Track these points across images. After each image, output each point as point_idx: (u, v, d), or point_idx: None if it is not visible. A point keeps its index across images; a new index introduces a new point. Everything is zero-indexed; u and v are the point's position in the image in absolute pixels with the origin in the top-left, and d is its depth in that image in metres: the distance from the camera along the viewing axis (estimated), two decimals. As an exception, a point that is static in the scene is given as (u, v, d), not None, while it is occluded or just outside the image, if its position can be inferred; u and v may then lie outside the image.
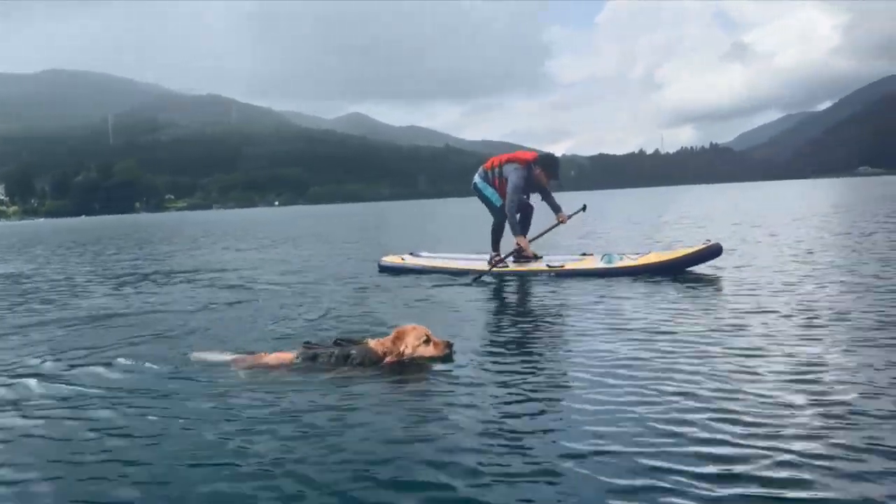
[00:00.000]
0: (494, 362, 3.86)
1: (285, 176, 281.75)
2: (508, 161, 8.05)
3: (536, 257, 7.84)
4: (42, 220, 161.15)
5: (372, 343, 4.00)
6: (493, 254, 8.01)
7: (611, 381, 3.34)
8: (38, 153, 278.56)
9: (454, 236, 16.69)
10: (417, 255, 8.72)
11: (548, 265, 7.41)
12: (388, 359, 3.91)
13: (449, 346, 4.03)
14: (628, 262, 7.09)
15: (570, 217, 7.98)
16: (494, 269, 7.68)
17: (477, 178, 8.30)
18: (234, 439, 2.76)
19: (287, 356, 4.02)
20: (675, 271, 6.89)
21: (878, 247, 8.88)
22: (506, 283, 7.29)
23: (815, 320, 4.51)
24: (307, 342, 4.16)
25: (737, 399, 2.99)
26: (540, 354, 4.07)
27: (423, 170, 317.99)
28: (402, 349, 3.94)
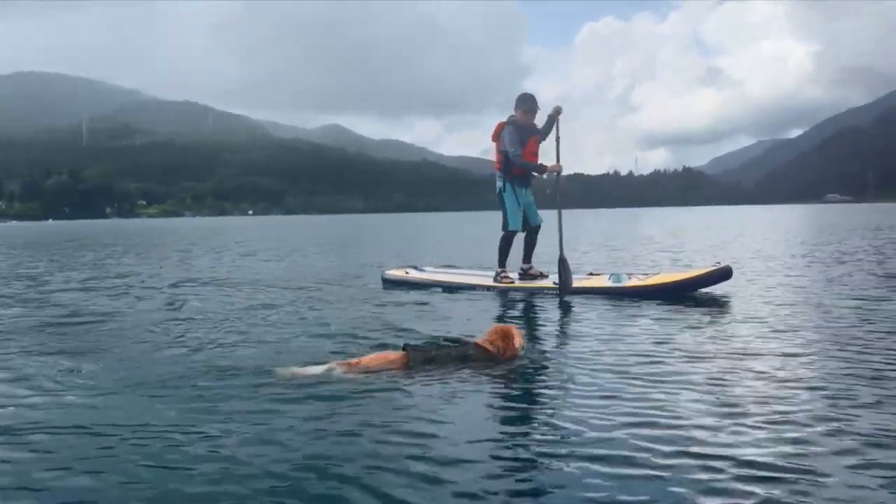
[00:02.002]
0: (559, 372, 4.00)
1: (260, 185, 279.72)
2: (497, 139, 7.93)
3: (542, 276, 7.80)
4: (10, 223, 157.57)
5: (481, 342, 4.25)
6: (500, 269, 7.92)
7: (617, 400, 3.38)
8: (8, 156, 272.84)
9: (446, 251, 16.66)
10: (421, 270, 8.69)
11: (554, 283, 7.30)
12: (506, 355, 4.17)
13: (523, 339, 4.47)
14: (636, 282, 7.03)
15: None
16: (501, 285, 7.65)
17: (499, 183, 8.01)
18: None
19: (390, 356, 4.14)
20: (684, 293, 6.82)
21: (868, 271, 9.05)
22: (514, 300, 7.23)
23: (831, 345, 4.52)
24: (408, 345, 4.26)
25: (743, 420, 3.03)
26: (554, 369, 4.12)
27: (400, 183, 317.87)
28: (515, 346, 4.24)
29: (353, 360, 4.10)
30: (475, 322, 5.73)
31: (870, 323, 5.33)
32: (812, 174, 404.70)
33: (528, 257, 8.04)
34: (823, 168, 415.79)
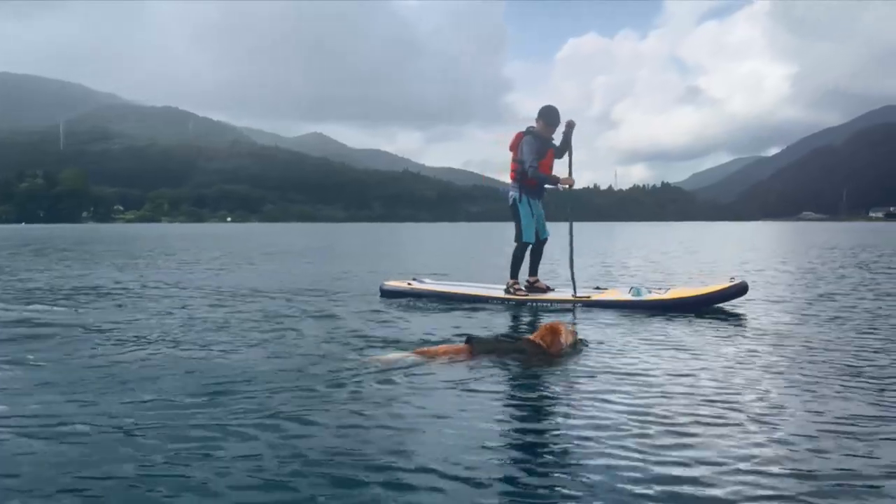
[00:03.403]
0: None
1: (239, 193, 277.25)
2: (514, 149, 7.86)
3: (549, 289, 7.77)
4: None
5: (532, 337, 4.76)
6: (512, 281, 7.83)
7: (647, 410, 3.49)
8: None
9: (437, 262, 16.37)
10: (421, 282, 8.49)
11: (574, 295, 7.34)
12: (552, 350, 4.62)
13: (576, 334, 4.95)
14: (656, 295, 7.13)
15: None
16: (515, 297, 7.61)
17: (513, 193, 7.95)
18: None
19: (457, 348, 4.79)
20: (701, 307, 6.93)
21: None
22: (531, 312, 7.15)
23: (847, 363, 4.59)
24: (471, 338, 4.83)
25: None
26: (581, 378, 4.20)
27: (381, 193, 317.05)
28: (561, 341, 4.68)
29: (427, 349, 4.79)
30: (496, 332, 5.79)
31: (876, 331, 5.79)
32: (788, 192, 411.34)
33: (534, 270, 8.01)
34: (799, 186, 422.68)
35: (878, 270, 13.04)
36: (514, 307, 7.44)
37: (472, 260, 17.49)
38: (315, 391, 3.79)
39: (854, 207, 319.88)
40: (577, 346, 4.88)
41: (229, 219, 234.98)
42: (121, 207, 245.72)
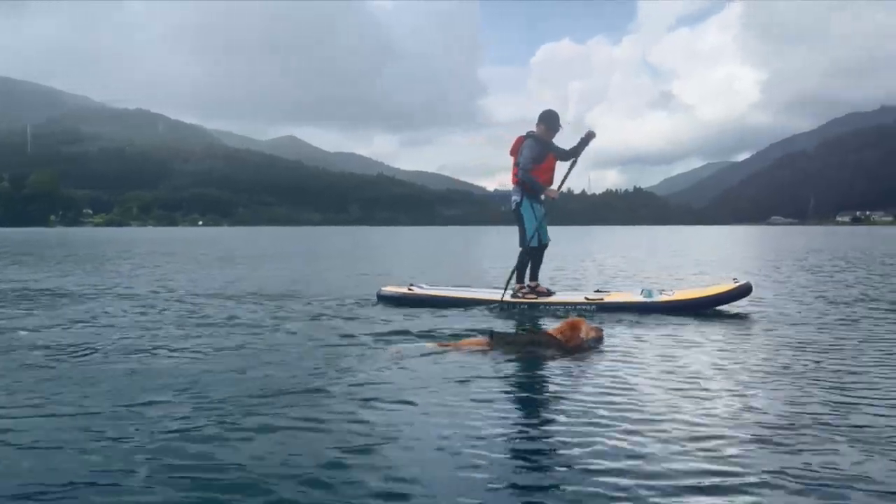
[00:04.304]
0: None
1: (211, 196, 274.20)
2: (516, 153, 7.77)
3: (549, 293, 7.79)
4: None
5: (552, 331, 4.99)
6: (518, 285, 7.82)
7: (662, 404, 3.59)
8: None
9: (425, 267, 16.12)
10: (420, 287, 8.27)
11: (586, 297, 7.48)
12: (570, 343, 4.80)
13: (601, 331, 5.14)
14: (666, 297, 7.32)
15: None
16: (525, 301, 7.63)
17: (515, 198, 7.87)
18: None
19: (479, 341, 5.05)
20: (708, 308, 7.20)
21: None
22: (546, 315, 7.15)
23: (845, 360, 4.77)
24: (494, 331, 5.13)
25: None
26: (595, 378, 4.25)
27: (356, 197, 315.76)
28: (580, 336, 4.86)
29: (450, 343, 5.13)
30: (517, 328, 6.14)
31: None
32: (758, 196, 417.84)
33: (534, 274, 7.93)
34: (769, 191, 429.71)
35: (873, 271, 13.33)
36: (525, 311, 7.42)
37: (462, 264, 17.20)
38: (327, 388, 3.90)
39: (822, 212, 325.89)
40: (601, 342, 5.06)
41: (201, 223, 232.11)
42: (90, 211, 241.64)
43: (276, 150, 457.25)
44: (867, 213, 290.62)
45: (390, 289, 8.28)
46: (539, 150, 7.61)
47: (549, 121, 7.73)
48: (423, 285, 8.46)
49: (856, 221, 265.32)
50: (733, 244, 33.79)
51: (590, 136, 7.70)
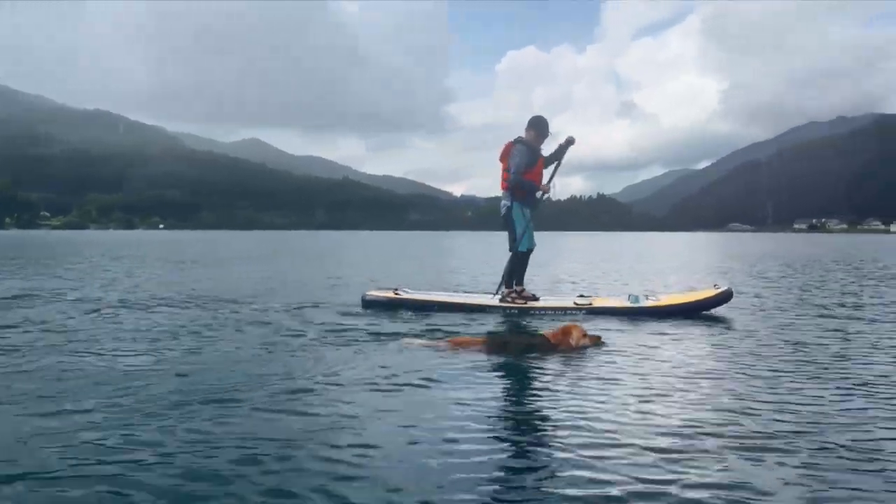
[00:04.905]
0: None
1: (172, 199, 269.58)
2: (505, 159, 7.84)
3: (534, 298, 7.79)
4: None
5: (546, 334, 5.21)
6: (507, 290, 7.85)
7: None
8: None
9: (403, 271, 15.99)
10: (405, 292, 8.19)
11: (575, 303, 7.51)
12: (562, 346, 5.02)
13: (598, 338, 5.30)
14: (652, 302, 7.43)
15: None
16: (514, 306, 7.64)
17: (505, 202, 7.95)
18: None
19: (479, 341, 5.25)
20: (691, 314, 7.33)
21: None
22: (535, 320, 7.17)
23: (823, 358, 4.95)
24: (490, 332, 5.40)
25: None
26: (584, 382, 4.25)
27: (321, 200, 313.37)
28: (571, 340, 5.06)
29: (444, 341, 5.31)
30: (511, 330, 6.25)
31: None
32: (717, 204, 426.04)
33: (520, 279, 7.96)
34: (728, 198, 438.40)
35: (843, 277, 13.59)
36: (516, 315, 7.43)
37: (438, 268, 17.15)
38: (318, 387, 3.94)
39: (780, 219, 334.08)
40: (596, 345, 5.24)
41: (161, 226, 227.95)
42: (47, 213, 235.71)
43: (240, 152, 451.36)
44: (822, 220, 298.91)
45: (376, 293, 8.22)
46: (530, 156, 7.73)
47: (539, 127, 7.86)
48: (408, 290, 8.44)
49: (812, 229, 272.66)
50: (695, 250, 34.42)
51: (569, 142, 7.86)
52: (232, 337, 5.80)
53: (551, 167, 7.97)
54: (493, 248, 33.29)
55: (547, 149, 8.00)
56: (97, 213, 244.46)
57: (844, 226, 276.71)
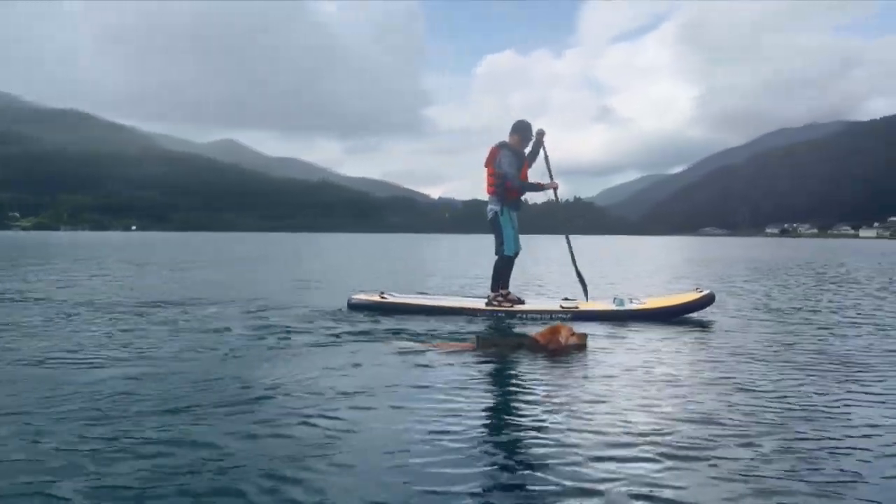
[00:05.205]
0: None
1: (146, 200, 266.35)
2: (491, 164, 7.87)
3: (520, 301, 7.84)
4: None
5: (534, 334, 5.26)
6: (493, 294, 7.85)
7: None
8: None
9: (383, 274, 15.80)
10: (391, 295, 8.12)
11: (561, 306, 7.57)
12: (550, 347, 5.07)
13: (585, 337, 5.33)
14: (636, 306, 7.53)
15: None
16: (501, 309, 7.65)
17: (493, 207, 7.96)
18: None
19: (469, 343, 5.34)
20: (675, 317, 7.45)
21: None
22: (523, 323, 7.21)
23: (803, 360, 5.05)
24: (479, 334, 5.49)
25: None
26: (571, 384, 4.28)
27: (298, 202, 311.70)
28: (560, 339, 5.12)
29: (435, 343, 5.40)
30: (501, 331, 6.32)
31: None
32: (691, 208, 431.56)
33: (506, 283, 8.01)
34: (702, 203, 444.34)
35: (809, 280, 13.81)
36: (502, 319, 7.46)
37: (419, 272, 17.04)
38: (305, 390, 3.91)
39: (752, 224, 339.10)
40: (584, 345, 5.27)
41: (134, 227, 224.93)
42: (17, 214, 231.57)
43: (216, 153, 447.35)
44: (794, 225, 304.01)
45: (361, 296, 8.13)
46: (517, 160, 7.86)
47: (523, 131, 7.97)
48: (394, 293, 8.38)
49: (783, 233, 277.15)
50: (672, 254, 34.70)
51: (541, 134, 8.05)
52: (217, 341, 5.69)
53: (545, 166, 8.10)
54: (474, 250, 33.58)
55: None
56: (69, 214, 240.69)
57: (815, 231, 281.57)
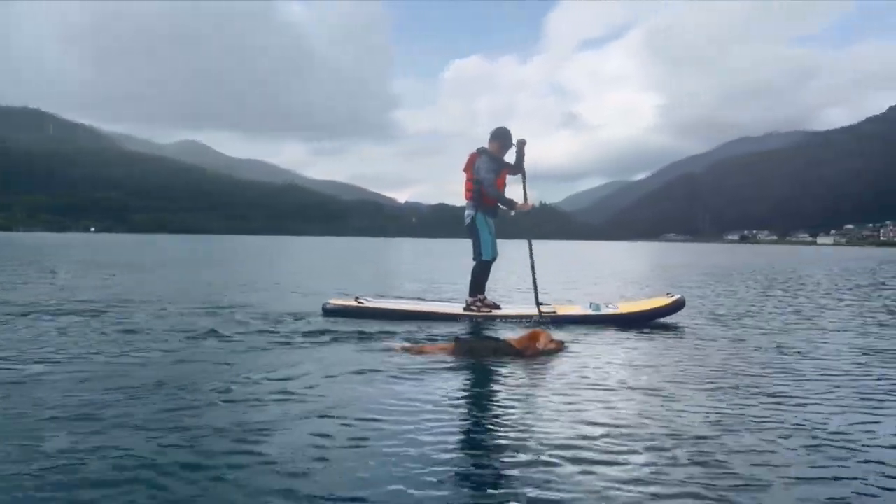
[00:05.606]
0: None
1: (105, 201, 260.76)
2: (470, 169, 7.84)
3: (496, 307, 7.83)
4: None
5: (512, 340, 5.31)
6: (472, 299, 7.83)
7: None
8: None
9: (354, 279, 15.40)
10: (367, 300, 7.93)
11: (540, 311, 7.59)
12: (527, 352, 5.12)
13: (562, 343, 5.46)
14: (611, 310, 7.66)
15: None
16: (480, 314, 7.63)
17: (470, 212, 7.89)
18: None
19: (447, 346, 5.28)
20: (649, 321, 7.57)
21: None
22: (501, 328, 7.12)
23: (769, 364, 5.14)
24: (458, 337, 5.43)
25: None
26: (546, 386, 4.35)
27: (263, 205, 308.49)
28: (536, 345, 5.19)
29: (413, 346, 5.41)
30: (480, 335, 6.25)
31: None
32: (654, 214, 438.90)
33: (482, 288, 7.98)
34: (665, 209, 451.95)
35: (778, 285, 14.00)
36: (481, 324, 7.38)
37: (391, 276, 16.72)
38: (282, 394, 3.86)
39: (713, 230, 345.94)
40: (560, 351, 5.34)
41: (93, 229, 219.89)
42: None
43: (178, 154, 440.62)
44: (753, 232, 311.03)
45: (337, 302, 7.93)
46: (495, 167, 7.85)
47: (502, 138, 7.95)
48: (370, 298, 8.22)
49: (743, 240, 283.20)
50: (637, 259, 35.13)
51: (521, 144, 7.97)
52: (193, 346, 5.41)
53: (518, 180, 8.06)
54: (442, 254, 33.44)
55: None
56: (25, 214, 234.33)
57: (774, 237, 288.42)
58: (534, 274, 8.00)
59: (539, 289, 7.85)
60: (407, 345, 5.52)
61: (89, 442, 2.91)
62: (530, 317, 7.52)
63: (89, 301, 8.61)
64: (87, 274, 14.52)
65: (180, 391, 3.82)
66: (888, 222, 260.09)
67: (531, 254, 8.03)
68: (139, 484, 2.48)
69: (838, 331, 7.15)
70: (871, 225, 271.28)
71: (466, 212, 7.96)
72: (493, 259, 7.98)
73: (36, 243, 47.60)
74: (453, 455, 2.90)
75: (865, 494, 2.50)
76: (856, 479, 2.66)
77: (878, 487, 2.58)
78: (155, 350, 5.16)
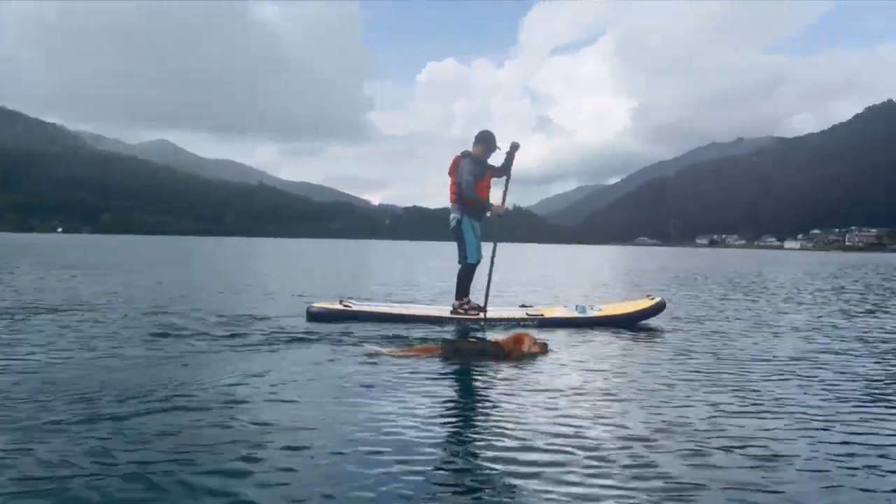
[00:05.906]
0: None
1: (72, 201, 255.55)
2: (454, 172, 7.93)
3: (480, 308, 7.85)
4: None
5: (499, 341, 5.42)
6: (458, 302, 7.89)
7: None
8: None
9: (336, 281, 15.35)
10: (352, 303, 7.92)
11: (527, 313, 7.73)
12: (513, 355, 5.21)
13: (545, 345, 5.53)
14: (596, 313, 7.84)
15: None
16: (466, 317, 7.68)
17: (455, 215, 7.97)
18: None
19: (433, 347, 5.41)
20: (632, 322, 7.79)
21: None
22: (488, 330, 7.21)
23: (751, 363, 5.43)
24: (445, 339, 5.63)
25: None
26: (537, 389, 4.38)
27: (233, 206, 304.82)
28: (522, 348, 5.29)
29: (401, 348, 5.46)
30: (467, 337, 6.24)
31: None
32: (627, 218, 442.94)
33: (467, 291, 8.05)
34: (637, 213, 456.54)
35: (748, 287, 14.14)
36: (467, 326, 7.45)
37: (370, 279, 16.59)
38: (273, 397, 3.90)
39: (683, 235, 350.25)
40: (545, 353, 5.43)
41: (60, 229, 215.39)
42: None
43: (148, 154, 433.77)
44: (723, 236, 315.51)
45: (322, 305, 7.90)
46: (478, 170, 7.87)
47: (487, 142, 7.99)
48: (355, 301, 8.20)
49: (713, 244, 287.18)
50: (613, 262, 35.48)
51: (514, 148, 7.98)
52: (177, 350, 5.36)
53: (503, 183, 8.11)
54: (417, 256, 33.38)
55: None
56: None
57: (743, 242, 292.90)
58: (490, 276, 7.98)
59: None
60: (393, 347, 5.54)
61: (46, 447, 2.89)
62: (518, 319, 7.61)
63: (47, 303, 8.50)
64: (48, 275, 14.24)
65: (165, 399, 3.75)
66: (853, 228, 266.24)
67: (493, 256, 7.97)
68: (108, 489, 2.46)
69: (794, 333, 7.39)
70: (837, 230, 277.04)
71: (452, 215, 8.01)
72: (478, 262, 8.02)
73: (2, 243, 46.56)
74: (435, 457, 2.90)
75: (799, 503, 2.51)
76: (792, 482, 2.69)
77: (814, 494, 2.60)
78: (132, 356, 5.05)
